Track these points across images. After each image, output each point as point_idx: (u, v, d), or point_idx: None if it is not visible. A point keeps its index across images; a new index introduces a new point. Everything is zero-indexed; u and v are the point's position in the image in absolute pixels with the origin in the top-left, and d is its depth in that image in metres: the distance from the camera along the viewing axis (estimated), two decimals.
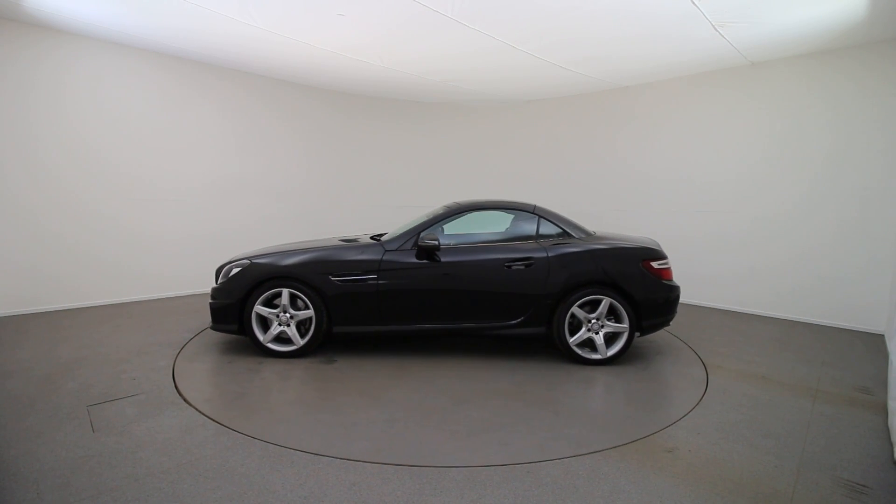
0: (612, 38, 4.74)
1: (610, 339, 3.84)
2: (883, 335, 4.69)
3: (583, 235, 4.06)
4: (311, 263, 3.88)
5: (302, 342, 3.86)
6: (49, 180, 5.13)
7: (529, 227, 4.10)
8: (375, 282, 3.84)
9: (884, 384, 3.47)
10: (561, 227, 4.07)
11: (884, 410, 3.05)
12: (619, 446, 2.57)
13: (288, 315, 3.86)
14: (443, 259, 3.87)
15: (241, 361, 3.79)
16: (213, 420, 2.78)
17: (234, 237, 6.57)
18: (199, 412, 2.87)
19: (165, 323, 4.79)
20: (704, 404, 3.13)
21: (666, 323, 3.97)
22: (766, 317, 5.45)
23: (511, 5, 3.98)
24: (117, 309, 5.32)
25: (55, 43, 5.06)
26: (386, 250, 3.92)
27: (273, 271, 3.86)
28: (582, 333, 3.81)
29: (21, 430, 2.61)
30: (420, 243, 3.83)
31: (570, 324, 3.82)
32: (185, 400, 3.04)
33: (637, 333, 3.86)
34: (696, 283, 6.02)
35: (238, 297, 3.85)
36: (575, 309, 3.78)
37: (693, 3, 3.84)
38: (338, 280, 3.83)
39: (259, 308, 3.84)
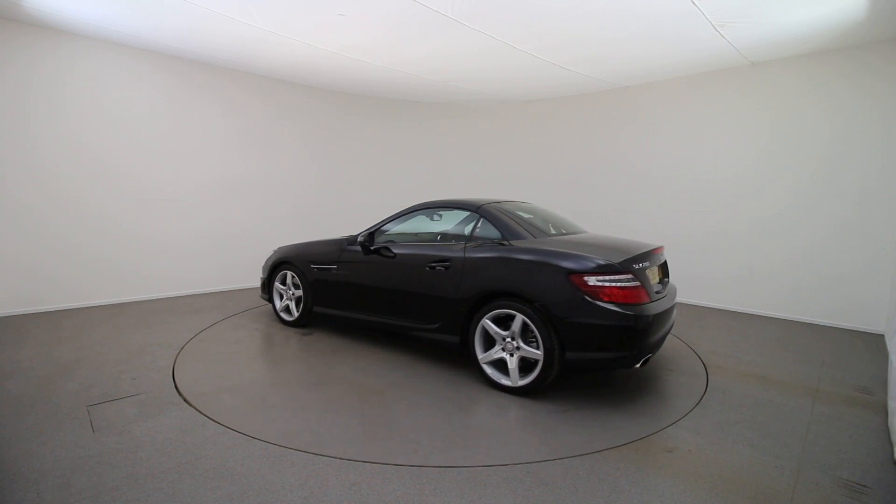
0: (612, 39, 4.74)
1: (532, 365, 3.16)
2: (883, 335, 4.69)
3: (527, 238, 3.47)
4: (301, 253, 4.69)
5: (296, 315, 4.69)
6: (49, 180, 5.13)
7: (467, 228, 3.83)
8: (336, 272, 4.37)
9: (884, 384, 3.47)
10: (498, 229, 3.56)
11: (884, 410, 3.04)
12: (618, 446, 2.57)
13: (291, 292, 4.76)
14: (380, 256, 4.03)
15: (241, 360, 3.80)
16: (213, 420, 2.78)
17: (234, 237, 6.57)
18: (199, 412, 2.87)
19: (165, 323, 4.79)
20: (704, 404, 3.13)
21: (617, 363, 2.99)
22: (766, 317, 5.45)
23: (511, 5, 3.98)
24: (117, 309, 5.32)
25: (55, 43, 5.06)
26: (347, 244, 4.32)
27: (280, 258, 4.86)
28: (494, 352, 3.29)
29: (21, 430, 2.61)
30: (358, 239, 4.18)
31: (487, 338, 3.35)
32: (185, 400, 3.04)
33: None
34: (696, 283, 6.02)
35: (266, 275, 5.01)
36: (486, 322, 3.30)
37: (693, 3, 3.84)
38: (315, 268, 4.53)
39: (277, 285, 4.89)
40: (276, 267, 4.86)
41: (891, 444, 2.61)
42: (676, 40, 4.73)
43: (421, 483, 2.20)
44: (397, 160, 8.23)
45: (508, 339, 3.23)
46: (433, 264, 3.64)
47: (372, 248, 4.09)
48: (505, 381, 3.25)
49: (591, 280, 2.97)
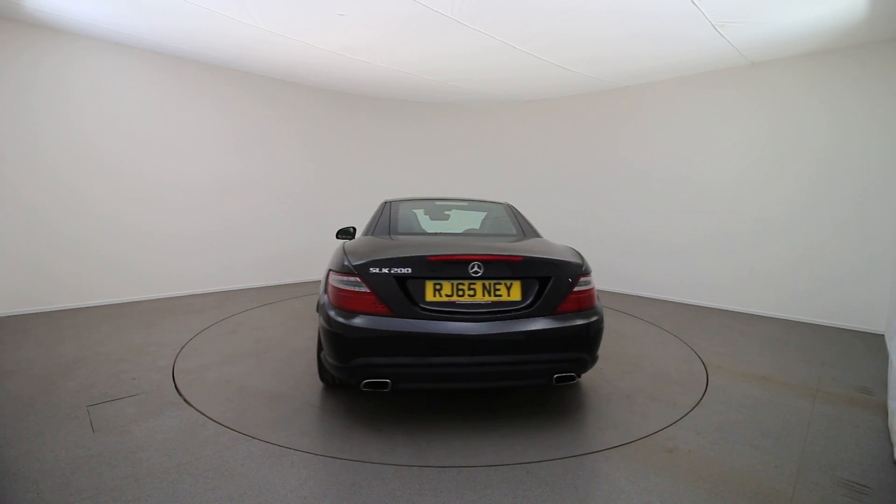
0: (612, 38, 4.74)
1: None
2: (883, 335, 4.69)
3: (378, 235, 3.44)
4: None
5: None
6: (50, 179, 5.14)
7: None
8: None
9: (884, 384, 3.46)
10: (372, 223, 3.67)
11: (884, 410, 3.04)
12: (618, 446, 2.57)
13: None
14: None
15: (241, 360, 3.80)
16: (213, 420, 2.78)
17: (234, 237, 6.58)
18: (199, 412, 2.87)
19: (165, 323, 4.79)
20: (704, 404, 3.13)
21: (338, 373, 2.71)
22: (766, 317, 5.45)
23: (511, 5, 3.98)
24: (118, 309, 5.32)
25: (55, 43, 5.06)
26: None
27: None
28: None
29: (21, 430, 2.61)
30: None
31: None
32: (185, 400, 3.04)
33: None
34: (696, 283, 6.02)
35: None
36: None
37: (693, 3, 3.84)
38: None
39: None
40: None
41: (891, 444, 2.61)
42: (676, 40, 4.73)
43: (421, 483, 2.20)
44: (397, 160, 8.23)
45: None
46: None
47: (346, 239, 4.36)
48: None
49: (334, 280, 2.80)
